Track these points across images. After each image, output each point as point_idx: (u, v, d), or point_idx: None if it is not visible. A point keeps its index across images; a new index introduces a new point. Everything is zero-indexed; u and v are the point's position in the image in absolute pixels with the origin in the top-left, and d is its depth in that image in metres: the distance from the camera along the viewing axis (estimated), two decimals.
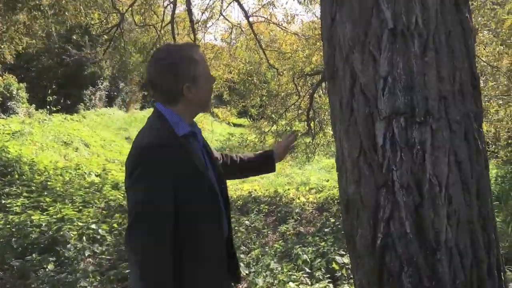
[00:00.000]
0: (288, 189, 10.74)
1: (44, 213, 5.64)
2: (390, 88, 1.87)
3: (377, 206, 1.90)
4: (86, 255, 4.68)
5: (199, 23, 9.00)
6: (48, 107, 18.61)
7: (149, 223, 1.49)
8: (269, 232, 6.95)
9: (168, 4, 8.31)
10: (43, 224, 5.06)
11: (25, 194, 6.45)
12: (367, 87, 1.91)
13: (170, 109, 1.65)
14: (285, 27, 9.53)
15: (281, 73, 10.74)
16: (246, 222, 7.45)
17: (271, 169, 2.21)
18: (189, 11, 6.97)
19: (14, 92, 17.40)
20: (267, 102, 13.31)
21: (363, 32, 1.92)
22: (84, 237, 5.07)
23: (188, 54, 1.63)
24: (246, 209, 8.75)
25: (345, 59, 1.99)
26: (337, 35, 2.03)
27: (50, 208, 5.81)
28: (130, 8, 8.34)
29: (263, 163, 2.20)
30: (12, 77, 17.55)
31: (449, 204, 1.83)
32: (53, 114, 18.27)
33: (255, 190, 10.93)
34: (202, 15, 8.66)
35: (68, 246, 4.63)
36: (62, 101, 19.98)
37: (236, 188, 11.38)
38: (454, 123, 1.87)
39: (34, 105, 18.37)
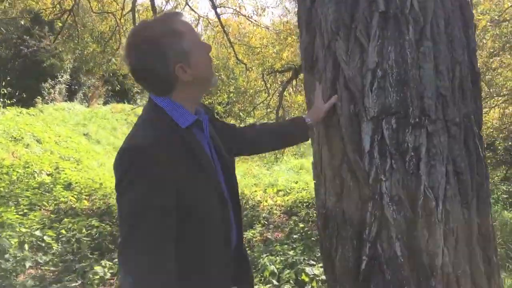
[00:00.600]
0: (255, 191, 10.47)
1: None
2: (379, 83, 1.60)
3: (362, 223, 1.64)
4: (27, 266, 4.25)
5: (163, 13, 8.54)
6: (1, 100, 17.77)
7: (145, 240, 1.21)
8: None
9: None
10: None
11: None
12: (353, 80, 1.64)
13: (167, 98, 1.33)
14: (255, 20, 9.25)
15: (250, 69, 10.44)
16: None
17: (304, 135, 1.83)
18: None
19: None
20: (234, 99, 12.98)
21: (349, 14, 1.65)
22: (26, 245, 4.63)
23: (171, 27, 1.30)
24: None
25: (326, 47, 1.71)
26: (317, 18, 1.75)
27: None
28: None
29: (295, 128, 1.83)
30: None
31: (446, 221, 1.59)
32: (7, 107, 17.39)
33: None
34: (166, 4, 8.25)
35: (6, 256, 4.19)
36: (17, 94, 19.16)
37: None
38: (452, 126, 1.63)
39: None
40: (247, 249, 4.75)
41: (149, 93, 1.40)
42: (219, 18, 7.80)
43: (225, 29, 8.50)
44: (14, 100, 18.87)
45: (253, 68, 10.84)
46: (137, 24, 1.45)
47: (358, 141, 1.64)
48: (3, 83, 18.82)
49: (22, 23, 16.86)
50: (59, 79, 22.76)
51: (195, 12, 8.95)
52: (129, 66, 1.34)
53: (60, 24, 8.97)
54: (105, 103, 25.74)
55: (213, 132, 1.53)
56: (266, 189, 11.09)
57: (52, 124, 18.31)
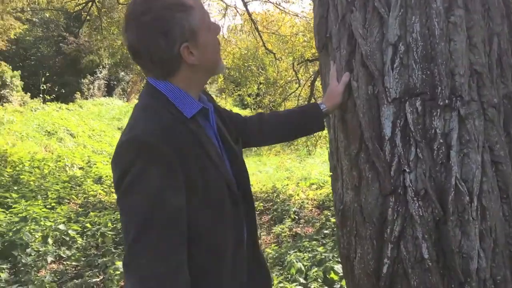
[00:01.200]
0: (287, 185, 10.28)
1: (8, 212, 5.21)
2: (402, 59, 1.40)
3: (383, 221, 1.45)
4: (49, 261, 4.24)
5: None
6: (41, 95, 18.39)
7: (156, 247, 1.05)
8: (262, 233, 6.50)
9: None
10: (3, 225, 4.61)
11: None
12: (371, 57, 1.44)
13: (170, 82, 1.17)
14: (283, 8, 8.98)
15: (280, 59, 10.19)
16: None
17: (318, 124, 1.62)
18: None
19: (8, 81, 17.09)
20: (264, 91, 12.76)
21: None
22: (50, 240, 4.64)
23: (177, 0, 1.14)
24: None
25: (341, 20, 1.52)
26: None
27: (16, 205, 5.37)
28: None
29: (307, 117, 1.62)
30: (5, 65, 17.29)
31: (483, 220, 1.38)
32: (47, 103, 17.95)
33: (252, 185, 10.46)
34: None
35: (28, 250, 4.19)
36: (56, 89, 19.82)
37: None
38: (489, 108, 1.41)
39: (29, 94, 18.17)
40: (276, 247, 4.56)
41: (147, 76, 1.25)
42: (246, 6, 7.63)
43: (253, 18, 8.32)
44: (54, 96, 19.53)
45: (283, 58, 10.62)
46: None
47: (378, 127, 1.44)
48: (43, 79, 19.50)
49: (62, 20, 17.50)
50: (98, 75, 23.41)
51: (222, 1, 8.82)
52: (127, 41, 1.17)
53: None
54: None
55: (219, 122, 1.36)
56: (298, 183, 10.90)
57: (87, 118, 18.73)
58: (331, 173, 1.73)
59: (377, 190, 1.45)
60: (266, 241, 6.27)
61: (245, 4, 7.58)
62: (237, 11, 9.56)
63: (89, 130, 17.04)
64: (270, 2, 8.69)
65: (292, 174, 12.59)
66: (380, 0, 1.42)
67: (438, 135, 1.38)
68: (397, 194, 1.41)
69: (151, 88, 1.22)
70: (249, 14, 7.78)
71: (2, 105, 16.18)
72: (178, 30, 1.14)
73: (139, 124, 1.14)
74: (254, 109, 13.94)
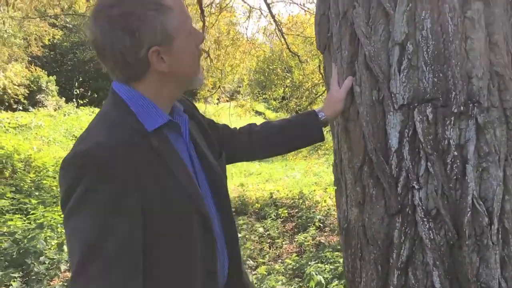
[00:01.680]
0: (314, 190, 10.06)
1: (26, 218, 5.23)
2: (410, 60, 1.25)
3: (389, 243, 1.29)
4: (62, 269, 4.22)
5: (213, 5, 8.45)
6: (74, 100, 18.89)
7: (103, 277, 0.92)
8: (284, 242, 6.34)
9: None
10: (19, 231, 4.62)
11: (8, 194, 6.05)
12: (375, 58, 1.29)
13: (134, 89, 1.05)
14: (308, 9, 8.81)
15: (305, 61, 10.00)
16: (260, 229, 6.86)
17: (316, 135, 1.44)
18: None
19: (44, 85, 17.62)
20: (290, 94, 12.55)
21: None
22: (65, 247, 4.61)
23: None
24: (263, 214, 8.16)
25: (342, 16, 1.38)
26: None
27: (34, 211, 5.39)
28: None
29: (302, 127, 1.46)
30: (41, 70, 17.82)
31: (505, 244, 1.21)
32: (80, 107, 18.36)
33: (278, 191, 10.30)
34: None
35: (42, 258, 4.17)
36: (89, 94, 20.31)
37: (257, 188, 10.79)
38: None
39: (64, 99, 18.70)
40: (296, 257, 4.36)
41: (112, 78, 1.13)
42: (269, 8, 7.52)
43: (277, 19, 8.20)
44: (87, 100, 20.02)
45: (308, 60, 10.43)
46: None
47: (383, 137, 1.29)
48: (76, 84, 20.03)
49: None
50: None
51: (245, 2, 8.73)
52: (91, 35, 1.04)
53: None
54: None
55: (196, 135, 1.22)
56: (326, 188, 10.67)
57: None
58: (335, 186, 1.58)
59: (382, 208, 1.30)
60: (288, 250, 6.11)
61: (268, 6, 7.47)
62: (262, 13, 9.50)
63: None
64: (295, 3, 8.57)
65: (320, 179, 12.36)
66: None
67: (452, 146, 1.22)
68: (405, 213, 1.26)
69: (113, 95, 1.09)
70: (273, 16, 7.66)
71: (37, 109, 16.66)
72: (148, 31, 1.01)
73: (92, 136, 1.01)
74: (278, 112, 13.75)
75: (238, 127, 1.51)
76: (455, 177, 1.22)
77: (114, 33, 1.00)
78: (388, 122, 1.28)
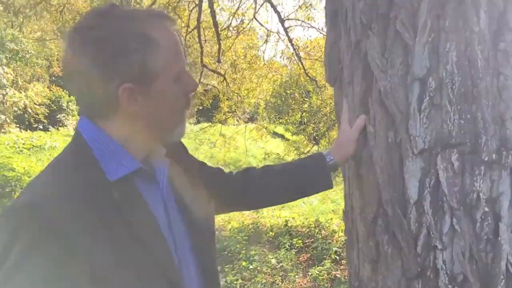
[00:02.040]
0: (331, 219, 9.78)
1: None
2: (432, 98, 1.09)
3: None
4: None
5: (230, 28, 8.41)
6: None
7: None
8: (297, 275, 6.10)
9: (194, 7, 7.72)
10: None
11: None
12: (392, 95, 1.13)
13: (101, 128, 0.90)
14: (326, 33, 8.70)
15: (322, 86, 9.87)
16: (273, 260, 6.63)
17: (323, 181, 1.26)
18: (213, 13, 6.37)
19: (65, 105, 17.92)
20: (308, 119, 12.40)
21: None
22: None
23: (139, 28, 0.87)
24: (277, 243, 7.92)
25: (354, 47, 1.23)
26: (343, 7, 1.27)
27: None
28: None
29: (307, 172, 1.28)
30: (62, 90, 18.13)
31: None
32: None
33: (293, 218, 10.05)
34: (231, 19, 8.01)
35: None
36: None
37: (272, 215, 10.57)
38: None
39: None
40: None
41: (79, 110, 0.98)
42: (286, 32, 7.44)
43: (294, 43, 8.12)
44: None
45: (326, 85, 10.29)
46: (106, 4, 0.99)
47: (401, 186, 1.12)
48: None
49: None
50: None
51: (262, 25, 8.69)
52: (63, 54, 0.91)
53: None
54: (196, 122, 25.55)
55: (179, 182, 1.05)
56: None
57: None
58: (346, 236, 1.41)
59: (399, 270, 1.12)
60: (301, 285, 5.87)
61: (286, 30, 7.40)
62: (280, 37, 9.43)
63: None
64: (313, 27, 8.49)
65: (338, 206, 12.08)
66: (403, 22, 1.12)
67: (482, 201, 1.04)
68: (426, 278, 1.08)
69: (75, 135, 0.93)
70: (290, 40, 7.59)
71: (57, 128, 16.92)
72: (123, 63, 0.87)
73: (38, 185, 0.86)
74: (294, 138, 13.54)
75: (235, 171, 1.35)
76: (485, 237, 1.03)
77: (83, 58, 0.86)
78: (406, 169, 1.11)
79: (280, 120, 12.35)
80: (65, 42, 0.90)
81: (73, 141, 0.93)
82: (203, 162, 1.25)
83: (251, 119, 16.75)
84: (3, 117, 14.51)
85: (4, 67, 14.42)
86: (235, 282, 5.58)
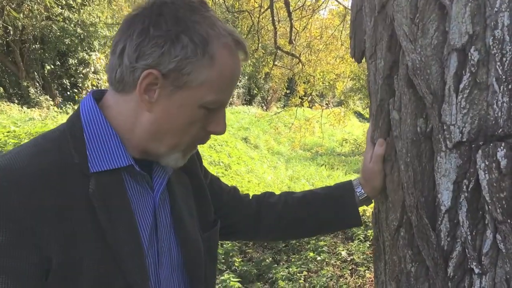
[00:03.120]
0: None
1: None
2: (475, 75, 0.84)
3: None
4: None
5: (306, 8, 8.11)
6: None
7: None
8: (368, 270, 5.80)
9: None
10: None
11: None
12: (422, 72, 0.90)
13: (102, 112, 0.84)
14: None
15: None
16: (343, 252, 6.38)
17: (351, 216, 1.13)
18: None
19: None
20: None
21: None
22: None
23: (209, 35, 0.81)
24: (351, 234, 7.63)
25: (378, 11, 1.00)
26: None
27: None
28: None
29: (332, 203, 1.13)
30: None
31: None
32: None
33: (371, 208, 9.70)
34: None
35: None
36: None
37: None
38: None
39: None
40: None
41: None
42: None
43: None
44: None
45: None
46: None
47: (430, 188, 0.89)
48: None
49: None
50: (237, 83, 25.27)
51: (341, 4, 8.23)
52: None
53: None
54: (284, 106, 26.35)
55: (181, 194, 0.96)
56: None
57: None
58: (374, 246, 1.19)
59: None
60: (371, 280, 5.59)
61: None
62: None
63: (211, 140, 17.64)
64: None
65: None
66: None
67: None
68: None
69: (73, 114, 0.87)
70: None
71: None
72: (169, 50, 0.78)
73: (8, 158, 0.77)
74: None
75: (251, 194, 1.20)
76: None
77: (147, 19, 0.80)
78: (438, 167, 0.88)
79: (358, 105, 11.86)
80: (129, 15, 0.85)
81: (69, 120, 0.87)
82: (217, 177, 1.14)
83: (340, 104, 16.23)
84: None
85: (97, 53, 15.26)
86: (298, 274, 5.42)
